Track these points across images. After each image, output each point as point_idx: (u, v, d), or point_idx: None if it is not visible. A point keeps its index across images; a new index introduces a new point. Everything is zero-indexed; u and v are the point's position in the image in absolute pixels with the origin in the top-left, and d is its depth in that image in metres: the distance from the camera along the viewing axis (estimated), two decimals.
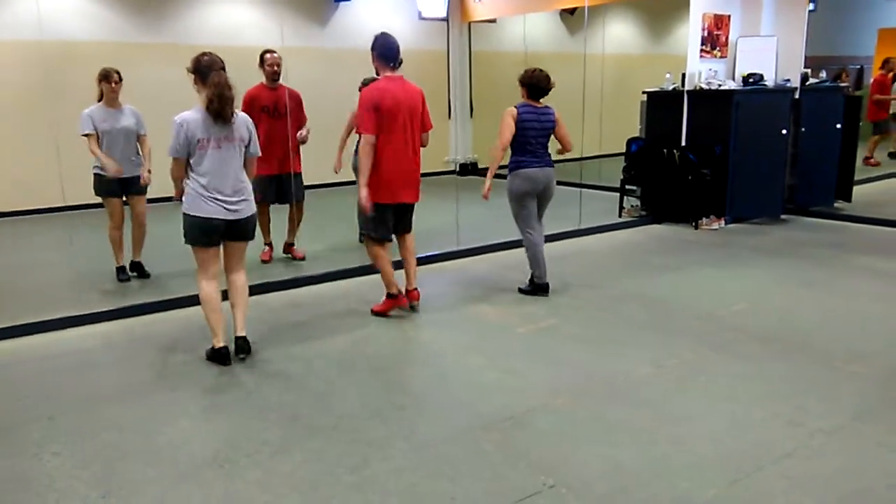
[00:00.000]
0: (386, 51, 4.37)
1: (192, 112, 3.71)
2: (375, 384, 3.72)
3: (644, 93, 7.94)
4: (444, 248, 6.08)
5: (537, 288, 5.14)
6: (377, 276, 4.81)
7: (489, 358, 4.02)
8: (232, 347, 3.99)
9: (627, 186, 7.89)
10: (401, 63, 4.42)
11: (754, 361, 3.90)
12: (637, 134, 8.06)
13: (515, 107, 4.91)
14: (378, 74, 4.48)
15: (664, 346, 4.13)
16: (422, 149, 4.59)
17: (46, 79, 6.90)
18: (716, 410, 3.33)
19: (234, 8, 9.40)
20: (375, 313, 4.73)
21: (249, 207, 3.91)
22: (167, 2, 8.93)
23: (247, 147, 3.89)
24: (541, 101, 4.96)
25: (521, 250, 6.39)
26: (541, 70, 4.93)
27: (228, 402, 3.53)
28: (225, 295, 4.06)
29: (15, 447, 3.10)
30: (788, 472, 2.78)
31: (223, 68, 3.74)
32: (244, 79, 9.04)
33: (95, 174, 5.27)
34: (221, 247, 3.96)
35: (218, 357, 3.93)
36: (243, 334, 4.00)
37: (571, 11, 10.98)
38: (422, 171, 4.65)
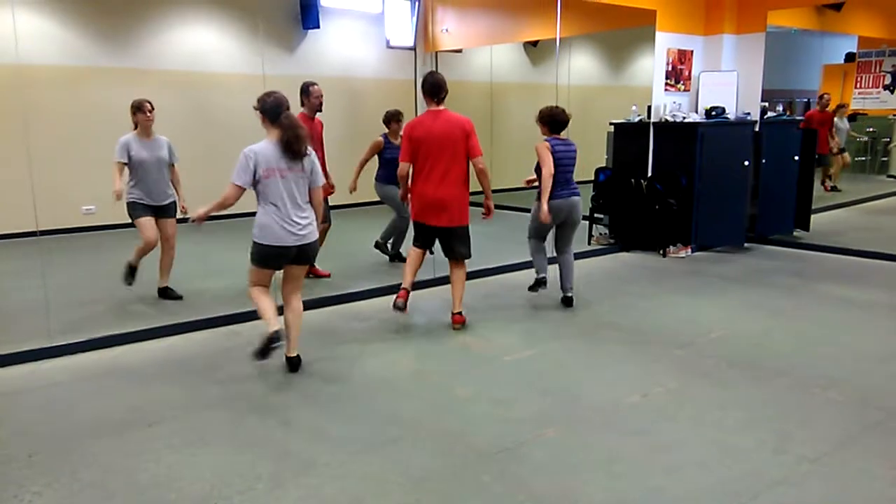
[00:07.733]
0: (429, 87, 4.88)
1: (262, 144, 3.95)
2: (364, 416, 3.67)
3: (611, 124, 8.13)
4: (420, 277, 6.05)
5: (538, 284, 5.55)
6: (370, 302, 4.77)
7: (477, 388, 4.01)
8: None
9: (596, 215, 8.04)
10: (444, 97, 4.83)
11: (736, 388, 3.98)
12: (603, 164, 8.23)
13: (546, 140, 5.19)
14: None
15: (648, 373, 4.19)
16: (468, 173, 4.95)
17: (16, 103, 6.74)
18: (704, 438, 3.38)
19: (200, 34, 9.32)
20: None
21: (314, 233, 4.12)
22: (134, 27, 8.80)
23: (310, 177, 4.09)
24: (562, 133, 5.28)
25: (497, 279, 6.51)
26: (557, 106, 5.29)
27: (213, 436, 3.44)
28: None
29: None
30: (783, 500, 2.84)
31: (288, 108, 4.00)
32: (211, 103, 9.07)
33: (129, 202, 5.38)
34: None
35: (271, 340, 4.01)
36: (296, 353, 4.24)
37: (534, 44, 11.22)
38: None
